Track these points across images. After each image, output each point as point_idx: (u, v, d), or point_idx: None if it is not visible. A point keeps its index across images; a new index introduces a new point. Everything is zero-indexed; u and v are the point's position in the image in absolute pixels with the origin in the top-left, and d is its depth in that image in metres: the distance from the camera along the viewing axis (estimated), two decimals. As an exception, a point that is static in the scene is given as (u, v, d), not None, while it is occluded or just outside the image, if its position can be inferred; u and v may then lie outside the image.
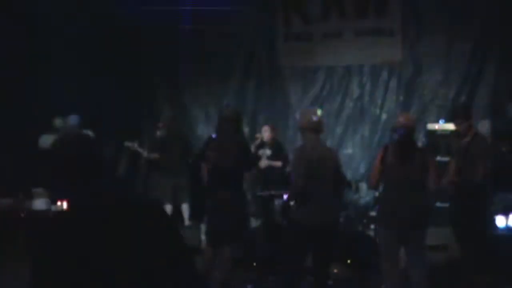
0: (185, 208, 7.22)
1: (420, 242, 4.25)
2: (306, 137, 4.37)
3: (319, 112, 4.52)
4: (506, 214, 5.36)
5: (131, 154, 7.29)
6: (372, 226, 6.38)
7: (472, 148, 4.91)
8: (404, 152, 4.23)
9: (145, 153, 7.30)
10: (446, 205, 5.84)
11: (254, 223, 6.99)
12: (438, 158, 6.46)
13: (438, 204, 6.26)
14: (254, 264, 5.52)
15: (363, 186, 8.22)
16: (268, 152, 7.13)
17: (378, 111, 8.53)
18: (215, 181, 4.81)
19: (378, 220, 4.63)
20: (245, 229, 5.08)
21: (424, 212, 4.27)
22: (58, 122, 7.55)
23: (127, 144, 7.29)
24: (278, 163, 7.04)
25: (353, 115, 8.64)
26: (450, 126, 6.71)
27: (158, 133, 7.28)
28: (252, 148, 6.76)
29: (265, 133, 7.20)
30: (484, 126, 7.55)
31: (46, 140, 7.41)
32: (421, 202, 4.24)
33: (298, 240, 4.30)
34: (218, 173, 4.79)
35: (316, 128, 4.34)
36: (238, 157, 4.68)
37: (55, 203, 6.76)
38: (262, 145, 7.14)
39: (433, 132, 7.43)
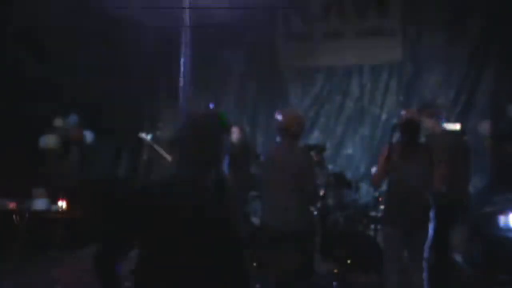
0: None
1: (423, 242, 4.23)
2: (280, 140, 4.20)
3: (297, 114, 4.28)
4: (508, 214, 5.35)
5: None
6: (372, 226, 6.36)
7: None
8: (411, 150, 4.19)
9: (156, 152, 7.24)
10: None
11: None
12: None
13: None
14: (254, 264, 5.51)
15: (363, 186, 8.23)
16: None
17: (378, 111, 8.53)
18: None
19: (384, 219, 4.54)
20: None
21: (428, 212, 4.24)
22: (58, 122, 7.55)
23: (142, 135, 7.22)
24: None
25: (353, 115, 8.64)
26: (450, 126, 6.72)
27: (158, 133, 7.28)
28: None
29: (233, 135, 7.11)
30: (484, 127, 7.57)
31: (46, 140, 7.41)
32: (427, 202, 4.23)
33: (265, 244, 4.15)
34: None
35: (287, 130, 4.10)
36: None
37: (55, 203, 6.78)
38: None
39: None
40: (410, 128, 4.26)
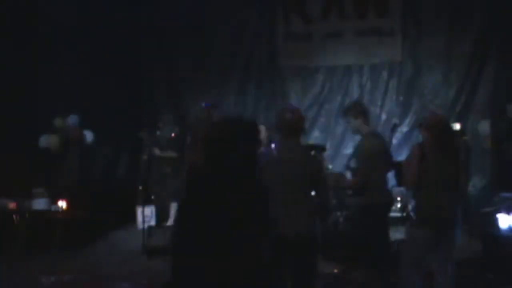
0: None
1: (453, 243, 4.16)
2: (280, 139, 3.92)
3: (296, 111, 3.96)
4: (508, 214, 5.35)
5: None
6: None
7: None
8: (445, 151, 4.14)
9: (157, 151, 7.23)
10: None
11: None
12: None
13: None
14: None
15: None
16: None
17: (378, 111, 8.53)
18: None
19: (416, 221, 4.42)
20: None
21: (458, 211, 4.19)
22: (58, 122, 7.54)
23: (142, 134, 7.20)
24: None
25: (353, 115, 8.63)
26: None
27: (158, 133, 7.27)
28: None
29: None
30: (484, 126, 7.58)
31: (46, 140, 7.41)
32: (459, 202, 4.19)
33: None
34: (192, 173, 4.83)
35: (290, 128, 3.78)
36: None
37: (55, 203, 6.78)
38: None
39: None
40: (439, 128, 4.20)
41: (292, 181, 3.67)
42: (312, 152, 6.40)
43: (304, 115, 4.07)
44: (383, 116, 8.49)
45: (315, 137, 8.52)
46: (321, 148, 6.81)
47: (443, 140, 4.14)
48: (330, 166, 7.10)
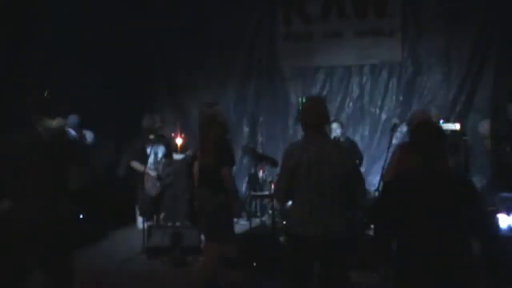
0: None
1: None
2: (304, 133, 3.64)
3: (320, 101, 3.76)
4: (508, 214, 5.35)
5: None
6: (372, 226, 6.36)
7: None
8: (424, 151, 4.12)
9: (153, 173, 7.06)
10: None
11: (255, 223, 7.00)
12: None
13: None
14: (254, 264, 5.51)
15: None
16: None
17: (378, 111, 8.54)
18: (200, 180, 4.86)
19: None
20: (227, 229, 4.82)
21: None
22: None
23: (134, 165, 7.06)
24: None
25: (353, 115, 8.65)
26: (450, 126, 6.73)
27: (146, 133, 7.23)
28: None
29: (336, 131, 7.02)
30: (484, 126, 7.57)
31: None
32: None
33: (293, 254, 3.54)
34: (201, 173, 4.82)
35: (313, 122, 3.54)
36: (218, 157, 4.67)
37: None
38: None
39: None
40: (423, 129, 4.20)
41: (327, 181, 3.43)
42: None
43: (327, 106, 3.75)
44: (383, 116, 8.50)
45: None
46: (272, 162, 6.67)
47: (421, 140, 4.13)
48: None
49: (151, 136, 6.84)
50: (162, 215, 7.03)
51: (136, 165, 6.87)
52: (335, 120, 7.33)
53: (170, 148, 7.31)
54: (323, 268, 3.49)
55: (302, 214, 3.47)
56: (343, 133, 7.24)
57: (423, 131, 2.91)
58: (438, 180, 2.78)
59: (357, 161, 6.82)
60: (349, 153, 3.82)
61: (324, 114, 3.60)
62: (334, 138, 6.80)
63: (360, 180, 3.61)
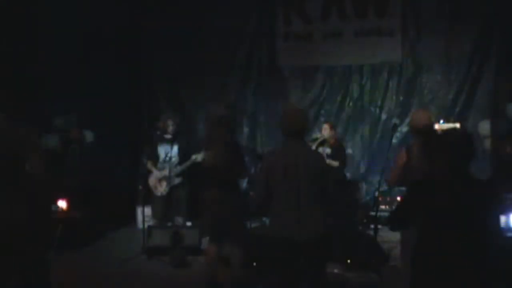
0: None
1: None
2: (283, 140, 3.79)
3: (299, 111, 3.88)
4: (508, 214, 5.35)
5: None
6: (372, 226, 6.37)
7: None
8: (426, 151, 4.11)
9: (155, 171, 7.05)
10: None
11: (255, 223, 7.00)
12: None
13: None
14: (254, 264, 5.51)
15: (363, 186, 8.24)
16: (327, 150, 7.09)
17: (378, 111, 8.54)
18: (208, 181, 4.86)
19: None
20: (238, 229, 4.84)
21: None
22: (58, 122, 7.54)
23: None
24: (336, 163, 6.97)
25: (353, 115, 8.65)
26: (450, 126, 6.73)
27: (158, 133, 7.25)
28: (313, 147, 6.77)
29: (325, 131, 7.18)
30: (484, 126, 7.57)
31: (46, 140, 7.40)
32: None
33: (276, 258, 3.70)
34: (210, 173, 4.83)
35: (291, 130, 3.69)
36: (226, 157, 4.67)
37: (55, 203, 6.77)
38: (322, 143, 7.13)
39: (433, 132, 7.42)
40: (418, 129, 4.20)
41: (303, 183, 3.60)
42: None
43: (307, 115, 3.99)
44: (383, 116, 8.50)
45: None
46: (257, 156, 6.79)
47: (423, 140, 4.13)
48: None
49: (167, 136, 6.88)
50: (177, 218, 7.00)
51: (149, 165, 6.93)
52: (327, 121, 7.61)
53: (183, 148, 7.26)
54: (304, 268, 3.65)
55: (281, 217, 3.64)
56: (333, 135, 7.24)
57: (456, 136, 2.96)
58: (464, 184, 2.82)
59: (339, 163, 7.02)
60: (323, 158, 4.14)
61: (302, 123, 3.74)
62: (322, 137, 7.16)
63: (330, 182, 3.80)
